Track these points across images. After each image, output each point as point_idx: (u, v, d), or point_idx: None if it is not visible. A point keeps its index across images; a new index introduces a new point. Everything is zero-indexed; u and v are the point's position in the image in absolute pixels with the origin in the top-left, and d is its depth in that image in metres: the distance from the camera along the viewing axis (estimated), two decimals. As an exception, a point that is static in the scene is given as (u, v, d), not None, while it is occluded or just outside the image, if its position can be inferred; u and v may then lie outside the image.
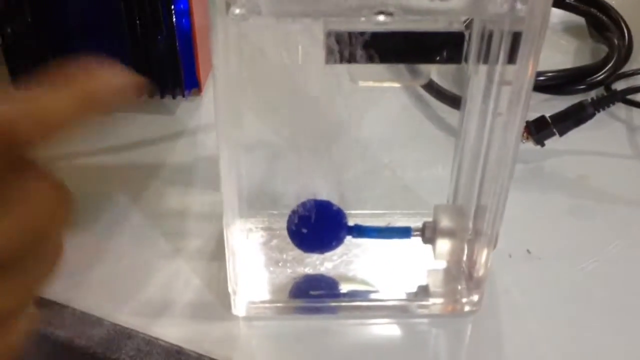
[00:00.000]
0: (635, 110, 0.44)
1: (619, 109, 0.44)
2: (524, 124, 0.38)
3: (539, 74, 0.45)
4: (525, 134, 0.40)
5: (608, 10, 0.51)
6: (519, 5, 0.24)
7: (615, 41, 0.47)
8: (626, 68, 0.47)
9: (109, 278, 0.33)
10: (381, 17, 0.25)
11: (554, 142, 0.40)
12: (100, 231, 0.35)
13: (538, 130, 0.40)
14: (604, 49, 0.48)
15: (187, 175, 0.39)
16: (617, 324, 0.32)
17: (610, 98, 0.41)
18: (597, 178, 0.39)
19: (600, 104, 0.41)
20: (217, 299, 0.32)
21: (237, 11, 0.23)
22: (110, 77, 0.21)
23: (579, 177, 0.39)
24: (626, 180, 0.39)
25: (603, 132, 0.42)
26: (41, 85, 0.20)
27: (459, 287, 0.32)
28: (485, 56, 0.29)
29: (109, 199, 0.37)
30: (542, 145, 0.40)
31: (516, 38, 0.26)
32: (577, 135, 0.40)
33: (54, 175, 0.21)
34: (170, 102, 0.44)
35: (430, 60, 0.28)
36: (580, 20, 0.52)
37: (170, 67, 0.42)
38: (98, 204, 0.37)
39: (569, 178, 0.39)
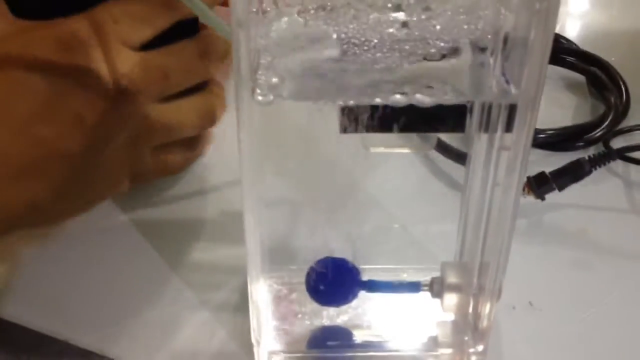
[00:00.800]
0: (632, 166, 0.46)
1: (617, 164, 0.46)
2: (524, 182, 0.40)
3: (540, 131, 0.47)
4: (526, 189, 0.43)
5: (607, 69, 0.54)
6: (512, 89, 0.27)
7: (612, 100, 0.50)
8: (624, 124, 0.49)
9: (141, 329, 0.36)
10: (397, 96, 0.28)
11: (554, 196, 0.42)
12: (131, 285, 0.38)
13: (539, 185, 0.43)
14: (602, 106, 0.51)
15: (212, 230, 0.42)
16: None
17: (608, 156, 0.44)
18: (596, 231, 0.42)
19: (597, 162, 0.43)
20: (241, 348, 0.34)
21: (261, 98, 0.26)
22: None
23: (578, 230, 0.42)
24: (624, 233, 0.42)
25: (602, 186, 0.45)
26: None
27: (466, 338, 0.35)
28: (485, 125, 0.32)
29: (140, 254, 0.40)
30: (543, 199, 0.43)
31: (512, 110, 0.29)
32: (577, 190, 0.43)
33: None
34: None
35: (436, 130, 0.31)
36: (580, 77, 0.55)
37: None
38: (129, 259, 0.39)
39: (569, 231, 0.42)
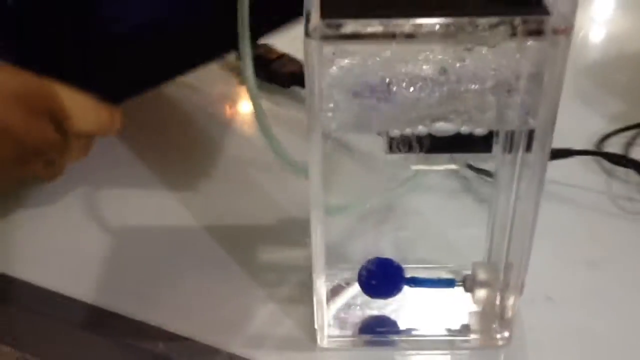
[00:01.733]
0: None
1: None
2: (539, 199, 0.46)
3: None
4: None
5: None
6: (530, 121, 0.34)
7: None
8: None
9: (220, 318, 0.42)
10: (440, 124, 0.35)
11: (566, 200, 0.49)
12: (210, 280, 0.45)
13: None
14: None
15: (274, 235, 0.49)
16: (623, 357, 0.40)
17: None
18: (607, 233, 0.48)
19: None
20: (305, 334, 0.41)
21: (327, 129, 0.33)
22: None
23: (591, 232, 0.48)
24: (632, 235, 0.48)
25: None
26: None
27: (493, 326, 0.41)
28: (509, 147, 0.38)
29: (214, 256, 0.47)
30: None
31: (531, 134, 0.36)
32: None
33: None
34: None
35: (468, 151, 0.38)
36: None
37: None
38: (207, 259, 0.46)
39: (582, 233, 0.48)
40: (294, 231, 0.48)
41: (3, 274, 0.46)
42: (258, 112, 0.41)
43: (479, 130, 0.35)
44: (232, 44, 0.42)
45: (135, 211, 0.50)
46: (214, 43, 0.48)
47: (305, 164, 0.35)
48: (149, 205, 0.51)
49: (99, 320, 0.43)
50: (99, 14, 0.45)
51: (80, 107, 0.45)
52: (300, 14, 0.33)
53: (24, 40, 0.45)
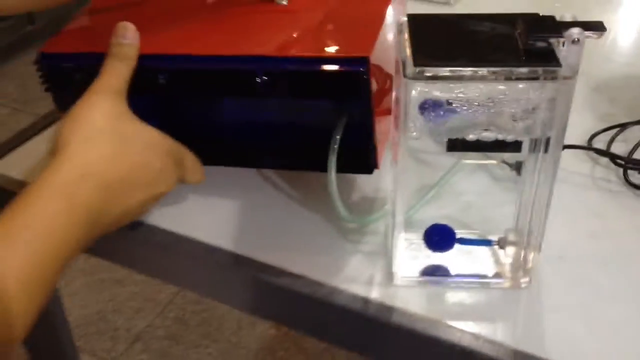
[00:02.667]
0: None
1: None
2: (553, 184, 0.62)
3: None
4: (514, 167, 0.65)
5: None
6: (548, 132, 0.51)
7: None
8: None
9: (324, 262, 0.60)
10: (485, 132, 0.52)
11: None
12: (315, 237, 0.62)
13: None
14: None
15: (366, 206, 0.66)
16: (614, 295, 0.57)
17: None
18: (609, 210, 0.64)
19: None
20: (384, 276, 0.58)
21: (413, 135, 0.50)
22: None
23: (595, 208, 0.64)
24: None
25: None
26: None
27: (518, 274, 0.58)
28: (533, 149, 0.55)
29: (323, 222, 0.64)
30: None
31: (548, 140, 0.52)
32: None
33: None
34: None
35: (505, 151, 0.55)
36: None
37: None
38: (314, 223, 0.64)
39: (590, 207, 0.64)
40: (376, 205, 0.65)
41: (170, 230, 0.64)
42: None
43: (512, 137, 0.52)
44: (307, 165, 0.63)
45: (258, 186, 0.68)
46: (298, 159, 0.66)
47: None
48: (270, 182, 0.68)
49: (236, 262, 0.61)
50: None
51: (192, 164, 0.62)
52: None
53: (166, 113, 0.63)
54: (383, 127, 0.64)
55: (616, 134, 0.71)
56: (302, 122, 0.64)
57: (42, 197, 0.51)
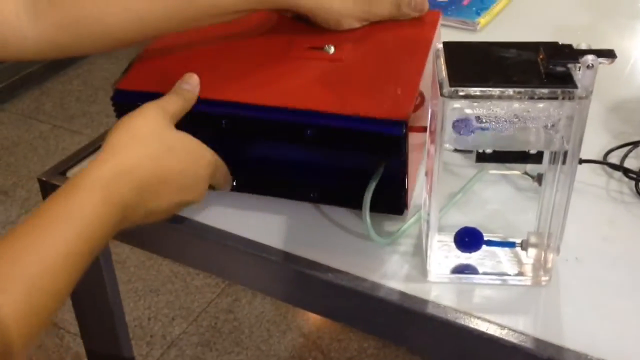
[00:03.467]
0: None
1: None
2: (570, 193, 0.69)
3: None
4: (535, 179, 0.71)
5: None
6: (566, 145, 0.58)
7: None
8: None
9: (363, 261, 0.67)
10: (510, 145, 0.59)
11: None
12: (355, 240, 0.70)
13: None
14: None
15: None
16: (630, 294, 0.63)
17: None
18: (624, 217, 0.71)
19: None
20: (419, 274, 0.66)
21: (448, 147, 0.58)
22: None
23: (608, 219, 0.71)
24: None
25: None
26: None
27: (539, 273, 0.65)
28: (553, 160, 0.62)
29: (360, 225, 0.71)
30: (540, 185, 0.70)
31: (566, 153, 0.59)
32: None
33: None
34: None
35: (527, 162, 0.62)
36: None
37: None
38: (355, 227, 0.71)
39: (603, 217, 0.71)
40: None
41: (226, 230, 0.71)
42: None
43: (534, 150, 0.60)
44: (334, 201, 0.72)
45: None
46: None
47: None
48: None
49: (286, 259, 0.68)
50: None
51: (225, 177, 0.69)
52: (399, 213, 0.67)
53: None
54: (414, 172, 0.72)
55: (629, 151, 0.78)
56: (344, 166, 0.72)
57: (82, 188, 0.55)
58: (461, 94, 0.55)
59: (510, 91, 0.55)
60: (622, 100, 0.88)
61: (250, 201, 0.74)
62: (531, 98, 0.55)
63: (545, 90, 0.55)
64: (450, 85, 0.55)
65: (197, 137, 0.65)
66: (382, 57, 0.74)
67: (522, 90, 0.55)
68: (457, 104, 0.57)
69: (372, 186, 0.67)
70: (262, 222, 0.72)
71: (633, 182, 0.74)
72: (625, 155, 0.77)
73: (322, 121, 0.66)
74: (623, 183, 0.75)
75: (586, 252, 0.68)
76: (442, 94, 0.55)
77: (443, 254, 0.66)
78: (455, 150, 0.66)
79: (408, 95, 0.67)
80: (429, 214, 0.63)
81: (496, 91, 0.55)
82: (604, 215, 0.72)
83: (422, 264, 0.66)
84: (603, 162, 0.77)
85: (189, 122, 0.67)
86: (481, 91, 0.55)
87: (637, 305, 0.63)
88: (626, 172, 0.74)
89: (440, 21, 0.81)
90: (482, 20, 1.05)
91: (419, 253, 0.67)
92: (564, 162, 0.60)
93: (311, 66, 0.72)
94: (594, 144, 0.79)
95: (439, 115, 0.57)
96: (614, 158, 0.78)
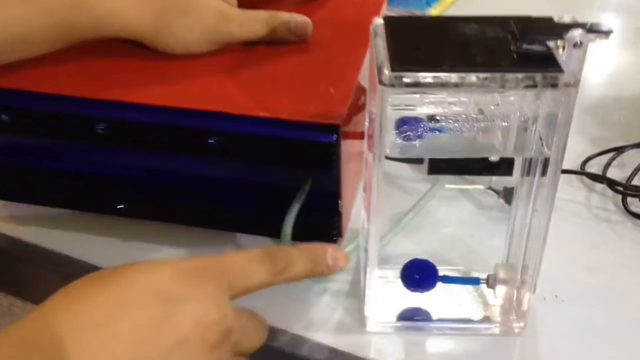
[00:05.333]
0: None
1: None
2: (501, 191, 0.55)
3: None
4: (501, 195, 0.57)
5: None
6: (545, 150, 0.43)
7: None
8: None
9: (286, 306, 0.51)
10: (474, 152, 0.44)
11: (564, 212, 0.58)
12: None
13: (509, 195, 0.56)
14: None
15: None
16: (618, 343, 0.49)
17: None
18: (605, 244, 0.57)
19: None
20: (355, 321, 0.50)
21: (390, 154, 0.42)
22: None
23: (591, 243, 0.57)
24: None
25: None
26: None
27: (511, 317, 0.50)
28: (527, 171, 0.47)
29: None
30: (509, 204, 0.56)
31: (546, 162, 0.45)
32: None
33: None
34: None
35: (493, 174, 0.47)
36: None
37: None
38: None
39: (584, 243, 0.57)
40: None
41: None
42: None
43: (503, 157, 0.45)
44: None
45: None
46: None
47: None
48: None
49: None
50: None
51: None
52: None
53: None
54: (351, 190, 0.57)
55: (612, 159, 0.64)
56: (260, 183, 0.56)
57: None
58: (406, 81, 0.40)
59: (472, 77, 0.40)
60: (597, 100, 0.75)
61: (137, 229, 0.57)
62: (501, 86, 0.40)
63: (519, 76, 0.40)
64: (392, 70, 0.40)
65: (59, 147, 0.49)
66: (311, 46, 0.59)
67: (488, 76, 0.40)
68: (401, 96, 0.41)
69: (294, 209, 0.51)
70: (152, 256, 0.55)
71: (619, 197, 0.60)
72: (608, 164, 0.63)
73: (229, 126, 0.50)
74: (607, 198, 0.61)
75: (567, 287, 0.53)
76: (380, 82, 0.40)
77: (386, 295, 0.51)
78: (400, 159, 0.52)
79: (343, 92, 0.52)
80: (366, 242, 0.48)
81: (453, 77, 0.40)
82: (586, 239, 0.58)
83: (360, 308, 0.50)
84: (583, 172, 0.62)
85: (50, 128, 0.52)
86: (434, 77, 0.40)
87: (634, 354, 0.48)
88: (611, 184, 0.60)
89: (385, 9, 0.67)
90: (433, 11, 0.91)
91: (357, 294, 0.52)
92: (542, 173, 0.45)
93: (218, 58, 0.57)
94: (567, 150, 0.64)
95: (377, 111, 0.41)
96: (593, 167, 0.64)
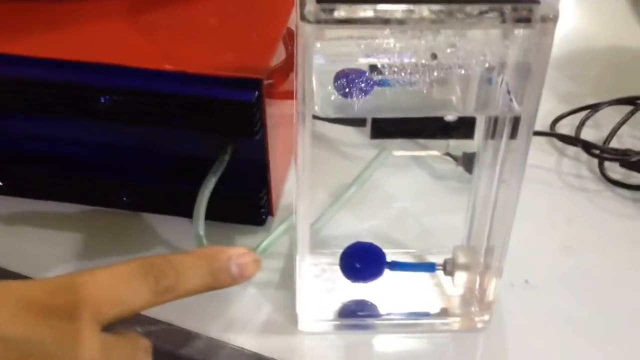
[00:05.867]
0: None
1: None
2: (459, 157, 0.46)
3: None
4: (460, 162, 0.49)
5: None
6: (515, 106, 0.34)
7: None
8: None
9: (199, 302, 0.42)
10: (426, 109, 0.35)
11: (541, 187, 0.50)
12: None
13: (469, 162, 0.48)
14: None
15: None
16: (599, 337, 0.41)
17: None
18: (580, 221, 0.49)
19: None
20: (286, 318, 0.41)
21: (320, 114, 0.33)
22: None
23: (565, 219, 0.49)
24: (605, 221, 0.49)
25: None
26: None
27: (473, 309, 0.42)
28: (492, 134, 0.39)
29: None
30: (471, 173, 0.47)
31: (516, 121, 0.36)
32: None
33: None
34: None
35: (450, 137, 0.38)
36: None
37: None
38: (181, 243, 0.46)
39: (557, 220, 0.49)
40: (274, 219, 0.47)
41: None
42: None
43: (463, 116, 0.36)
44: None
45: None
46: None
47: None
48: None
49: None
50: None
51: None
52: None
53: None
54: (284, 160, 0.48)
55: (586, 118, 0.55)
56: (170, 154, 0.47)
57: None
58: (338, 16, 0.30)
59: (424, 10, 0.31)
60: (565, 53, 0.66)
61: (22, 210, 0.47)
62: (459, 21, 0.31)
63: (483, 7, 0.31)
64: (319, 2, 0.30)
65: None
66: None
67: (443, 8, 0.31)
68: (335, 43, 0.32)
69: (210, 182, 0.42)
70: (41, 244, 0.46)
71: (595, 162, 0.52)
72: (582, 124, 0.55)
73: (124, 82, 0.41)
74: (581, 163, 0.53)
75: (539, 270, 0.45)
76: (303, 18, 0.30)
77: (323, 287, 0.42)
78: (336, 120, 0.42)
79: (268, 39, 0.43)
80: (296, 222, 0.38)
81: (399, 11, 0.30)
82: (559, 213, 0.49)
83: (293, 303, 0.41)
84: (553, 133, 0.54)
85: None
86: (374, 12, 0.30)
87: (614, 348, 0.41)
88: (586, 146, 0.52)
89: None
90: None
91: (290, 285, 0.43)
92: (511, 136, 0.36)
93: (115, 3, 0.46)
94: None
95: (299, 57, 0.32)
96: (564, 129, 0.56)
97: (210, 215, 0.45)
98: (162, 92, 0.41)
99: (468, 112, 0.36)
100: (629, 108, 0.56)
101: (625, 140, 0.55)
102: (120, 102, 0.41)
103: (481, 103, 0.36)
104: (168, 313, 0.41)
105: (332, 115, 0.35)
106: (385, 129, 0.37)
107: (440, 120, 0.37)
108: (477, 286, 0.41)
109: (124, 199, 0.47)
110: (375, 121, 0.37)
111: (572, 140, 0.53)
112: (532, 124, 0.35)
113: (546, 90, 0.59)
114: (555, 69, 0.63)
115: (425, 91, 0.34)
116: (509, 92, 0.35)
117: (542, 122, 0.56)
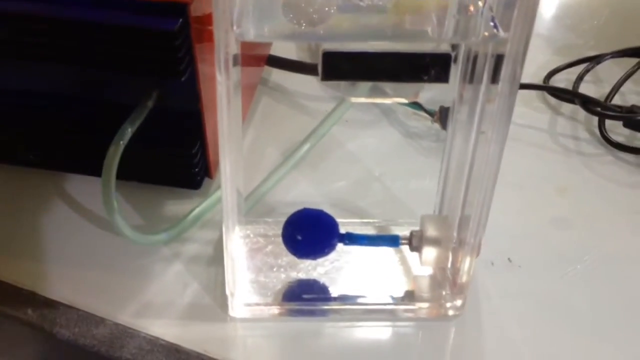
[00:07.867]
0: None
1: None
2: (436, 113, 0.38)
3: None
4: (436, 117, 0.41)
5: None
6: (500, 33, 0.26)
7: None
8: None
9: (110, 280, 0.35)
10: (389, 41, 0.27)
11: (534, 156, 0.42)
12: (99, 232, 0.37)
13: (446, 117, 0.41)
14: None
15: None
16: (593, 328, 0.34)
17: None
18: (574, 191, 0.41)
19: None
20: (215, 301, 0.34)
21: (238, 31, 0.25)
22: None
23: (556, 189, 0.41)
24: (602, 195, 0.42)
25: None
26: None
27: (444, 293, 0.34)
28: (470, 76, 0.31)
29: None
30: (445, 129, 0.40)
31: (499, 60, 0.28)
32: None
33: None
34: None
35: (419, 79, 0.30)
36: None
37: None
38: (86, 209, 0.38)
39: (547, 191, 0.41)
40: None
41: None
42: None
43: (437, 48, 0.28)
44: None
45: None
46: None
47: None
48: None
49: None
50: None
51: None
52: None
53: None
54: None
55: (585, 71, 0.48)
56: (81, 100, 0.38)
57: None
58: None
59: None
60: (560, 2, 0.58)
61: None
62: None
63: None
64: None
65: None
66: None
67: None
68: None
69: (124, 134, 0.34)
70: None
71: (595, 121, 0.44)
72: (580, 78, 0.47)
73: (12, 6, 0.32)
74: (578, 123, 0.45)
75: (524, 247, 0.38)
76: None
77: (261, 264, 0.35)
78: (282, 63, 0.35)
79: None
80: (224, 187, 0.30)
81: None
82: (551, 179, 0.42)
83: (224, 283, 0.34)
84: (547, 86, 0.46)
85: None
86: None
87: (612, 338, 0.33)
88: (585, 103, 0.44)
89: None
90: None
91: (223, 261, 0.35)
92: (493, 80, 0.29)
93: None
94: (526, 60, 0.48)
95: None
96: (560, 83, 0.48)
97: (138, 177, 0.37)
98: (62, 19, 0.32)
99: (441, 42, 0.28)
100: (634, 60, 0.48)
101: (629, 97, 0.47)
102: (16, 31, 0.33)
103: (460, 31, 0.28)
104: (67, 292, 0.33)
105: (267, 40, 0.28)
106: (340, 67, 0.29)
107: (408, 57, 0.29)
108: (449, 265, 0.34)
109: (31, 155, 0.39)
110: (327, 56, 0.29)
111: (569, 94, 0.45)
112: (521, 61, 0.28)
113: (541, 41, 0.52)
114: (552, 17, 0.55)
115: (387, 16, 0.27)
116: (492, 19, 0.27)
117: (535, 76, 0.48)
